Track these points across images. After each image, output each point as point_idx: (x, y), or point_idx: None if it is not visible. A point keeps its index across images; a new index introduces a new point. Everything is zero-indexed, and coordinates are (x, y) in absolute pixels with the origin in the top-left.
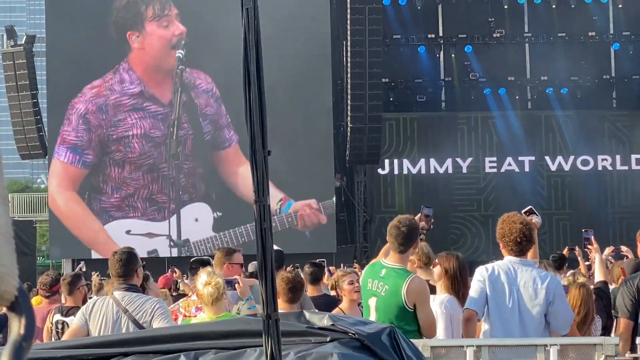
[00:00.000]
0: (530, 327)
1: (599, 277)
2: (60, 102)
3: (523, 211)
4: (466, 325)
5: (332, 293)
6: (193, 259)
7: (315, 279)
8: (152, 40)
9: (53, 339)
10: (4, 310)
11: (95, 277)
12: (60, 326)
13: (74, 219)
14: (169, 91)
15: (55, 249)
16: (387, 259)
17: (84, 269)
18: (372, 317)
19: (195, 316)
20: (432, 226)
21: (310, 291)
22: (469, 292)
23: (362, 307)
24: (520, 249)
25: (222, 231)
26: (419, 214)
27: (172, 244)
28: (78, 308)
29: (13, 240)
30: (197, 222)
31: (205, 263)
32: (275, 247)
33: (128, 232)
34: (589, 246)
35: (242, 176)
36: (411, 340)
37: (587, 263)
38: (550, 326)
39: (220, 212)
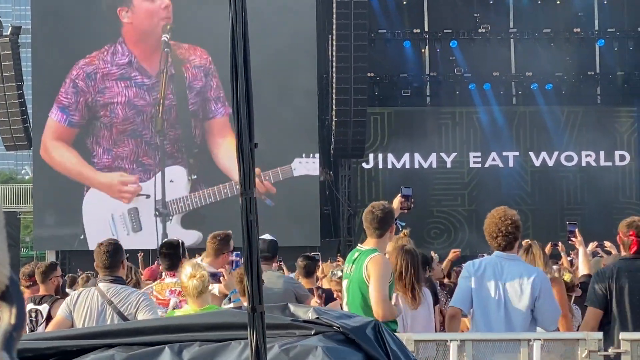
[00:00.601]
0: (517, 323)
1: (583, 270)
2: (45, 93)
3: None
4: (450, 322)
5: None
6: (163, 241)
7: (309, 272)
8: (140, 15)
9: (27, 328)
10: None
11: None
12: (33, 314)
13: (67, 165)
14: (156, 64)
15: (39, 240)
16: (363, 244)
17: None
18: (344, 299)
19: (169, 300)
20: (412, 206)
21: (303, 284)
22: (456, 288)
23: None
24: (498, 245)
25: (195, 192)
26: (398, 195)
27: (157, 211)
28: (50, 296)
29: (4, 230)
30: (173, 182)
31: (174, 246)
32: (269, 237)
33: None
34: (573, 239)
35: (224, 147)
36: (395, 334)
37: (569, 258)
38: (537, 322)
39: (196, 175)
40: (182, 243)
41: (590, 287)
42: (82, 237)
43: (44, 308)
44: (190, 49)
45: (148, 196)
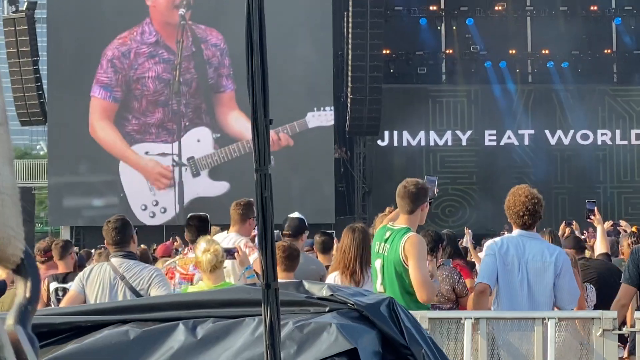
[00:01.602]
0: (540, 301)
1: (601, 249)
2: (60, 68)
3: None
4: (478, 298)
5: None
6: (190, 214)
7: (326, 248)
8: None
9: (52, 306)
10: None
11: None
12: (61, 293)
13: (110, 142)
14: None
15: (54, 215)
16: (395, 222)
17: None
18: (378, 279)
19: (193, 275)
20: (436, 194)
21: (320, 261)
22: (481, 266)
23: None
24: (522, 223)
25: (220, 148)
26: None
27: (174, 162)
28: (73, 273)
29: (19, 203)
30: (199, 142)
31: (202, 219)
32: (297, 215)
33: (146, 152)
34: (592, 217)
35: (233, 118)
36: (410, 311)
37: (582, 237)
38: (556, 300)
39: (219, 134)
40: (209, 219)
41: (625, 265)
42: (121, 195)
43: (70, 286)
44: (207, 30)
45: (178, 155)
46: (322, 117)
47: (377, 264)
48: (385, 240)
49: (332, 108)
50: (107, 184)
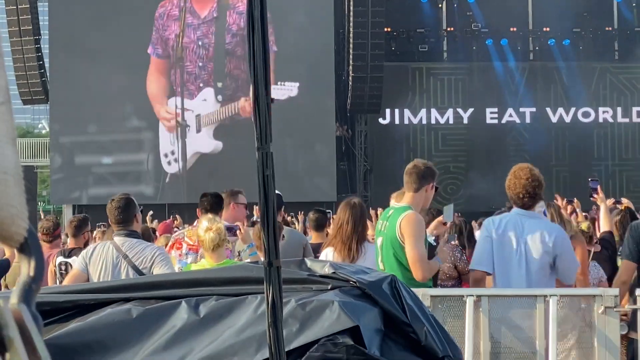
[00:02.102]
0: (536, 279)
1: (604, 227)
2: (62, 47)
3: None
4: (475, 286)
5: None
6: (203, 192)
7: (319, 226)
8: None
9: (57, 282)
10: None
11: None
12: (63, 267)
13: (153, 95)
14: (205, 8)
15: (57, 194)
16: (400, 201)
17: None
18: (380, 258)
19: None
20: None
21: (314, 238)
22: (476, 250)
23: None
24: (523, 204)
25: (221, 107)
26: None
27: (182, 120)
28: (80, 249)
29: (23, 182)
30: (205, 101)
31: (219, 196)
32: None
33: (172, 107)
34: (595, 195)
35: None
36: (412, 289)
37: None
38: (558, 274)
39: (221, 96)
40: (221, 196)
41: (625, 240)
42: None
43: (73, 260)
44: None
45: (192, 111)
46: (281, 91)
47: (378, 241)
48: (387, 219)
49: (298, 84)
50: (115, 142)
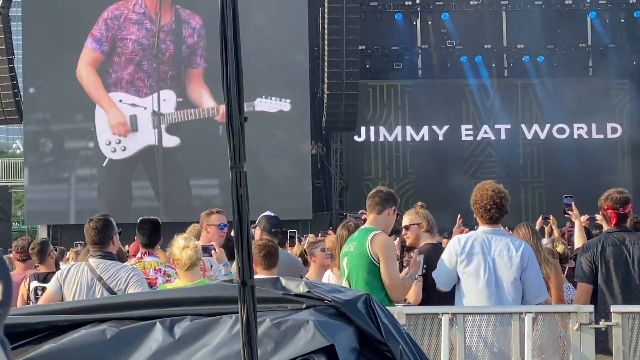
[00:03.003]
0: (507, 297)
1: (578, 243)
2: (36, 67)
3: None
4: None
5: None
6: (141, 218)
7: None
8: None
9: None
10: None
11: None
12: (40, 292)
13: (91, 86)
14: (161, 16)
15: (31, 215)
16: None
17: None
18: (345, 275)
19: (156, 279)
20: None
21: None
22: (437, 268)
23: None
24: (490, 217)
25: (179, 110)
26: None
27: (154, 113)
28: (54, 273)
29: None
30: (165, 101)
31: (153, 223)
32: (269, 214)
33: (120, 100)
34: (569, 212)
35: (197, 90)
36: (387, 307)
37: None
38: (524, 294)
39: (181, 99)
40: (159, 223)
41: (577, 262)
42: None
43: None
44: (191, 15)
45: (145, 108)
46: (270, 104)
47: (344, 262)
48: (353, 239)
49: (290, 101)
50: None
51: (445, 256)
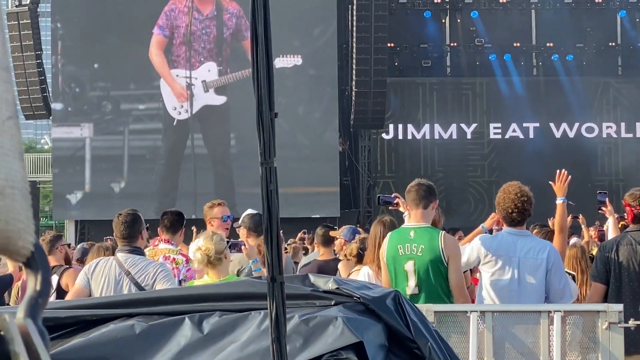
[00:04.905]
0: (531, 298)
1: None
2: (64, 61)
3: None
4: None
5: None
6: (165, 210)
7: (327, 241)
8: None
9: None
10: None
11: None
12: None
13: (159, 64)
14: (206, 7)
15: (58, 209)
16: (409, 220)
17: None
18: (412, 281)
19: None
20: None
21: (322, 253)
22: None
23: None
24: (511, 220)
25: (221, 76)
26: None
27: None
28: (60, 266)
29: (30, 196)
30: (209, 71)
31: (179, 213)
32: (252, 211)
33: (177, 75)
34: (603, 208)
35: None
36: (415, 305)
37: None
38: (548, 297)
39: (221, 67)
40: (181, 214)
41: (593, 262)
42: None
43: (53, 278)
44: (230, 3)
45: (196, 78)
46: (288, 60)
47: (407, 266)
48: (412, 240)
49: (301, 56)
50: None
51: (466, 251)
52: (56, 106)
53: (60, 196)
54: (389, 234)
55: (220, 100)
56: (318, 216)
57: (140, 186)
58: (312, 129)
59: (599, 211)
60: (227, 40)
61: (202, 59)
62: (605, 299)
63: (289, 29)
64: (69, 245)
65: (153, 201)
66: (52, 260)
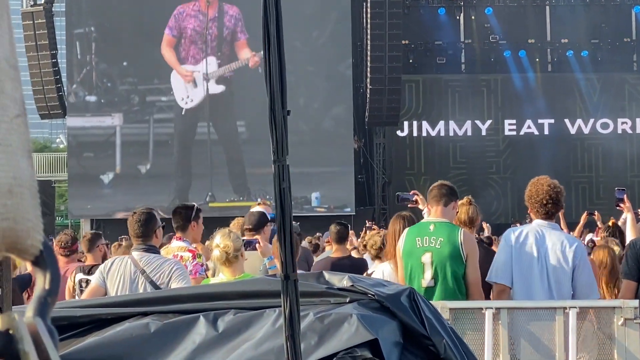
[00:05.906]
0: (560, 291)
1: (631, 236)
2: (78, 61)
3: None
4: (498, 298)
5: (356, 255)
6: (178, 205)
7: (341, 238)
8: None
9: (77, 298)
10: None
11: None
12: (84, 284)
13: (170, 60)
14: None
15: (74, 208)
16: (430, 215)
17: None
18: (427, 274)
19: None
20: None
21: (335, 251)
22: (495, 261)
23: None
24: (545, 212)
25: (221, 67)
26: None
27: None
28: (98, 266)
29: (38, 195)
30: (210, 65)
31: (188, 207)
32: (259, 209)
33: (185, 69)
34: (621, 204)
35: (238, 50)
36: (430, 301)
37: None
38: (574, 293)
39: (220, 60)
40: (197, 209)
41: (623, 259)
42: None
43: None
44: (230, 7)
45: (199, 72)
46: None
47: (424, 258)
48: (432, 233)
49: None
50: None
51: (501, 248)
52: (91, 99)
53: (93, 178)
54: (408, 228)
55: (218, 89)
56: (333, 214)
57: (163, 168)
58: (326, 126)
59: (617, 207)
60: (227, 40)
61: (204, 55)
62: (636, 296)
63: (302, 26)
64: (107, 244)
65: (172, 181)
66: (91, 259)
